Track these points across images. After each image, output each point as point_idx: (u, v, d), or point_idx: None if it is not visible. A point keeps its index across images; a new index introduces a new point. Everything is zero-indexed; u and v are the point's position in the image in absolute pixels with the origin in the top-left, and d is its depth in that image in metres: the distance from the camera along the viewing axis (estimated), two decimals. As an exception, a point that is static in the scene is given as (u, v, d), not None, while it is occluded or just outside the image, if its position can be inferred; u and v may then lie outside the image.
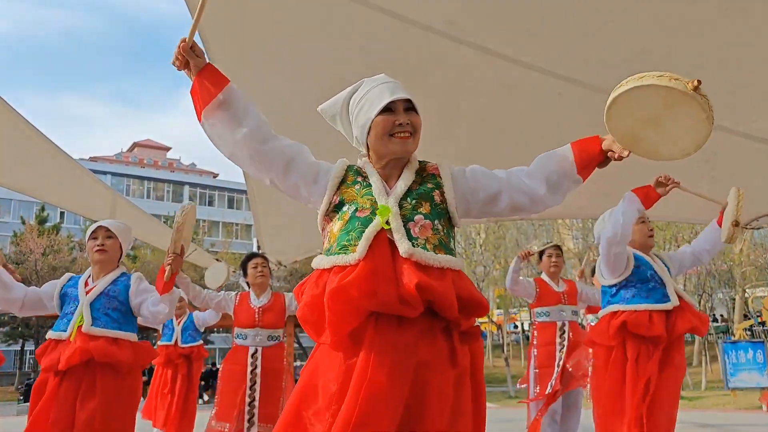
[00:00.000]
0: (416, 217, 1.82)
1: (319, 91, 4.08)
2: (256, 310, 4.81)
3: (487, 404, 1.92)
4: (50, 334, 3.20)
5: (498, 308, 32.08)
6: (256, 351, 4.74)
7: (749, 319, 20.97)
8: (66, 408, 3.00)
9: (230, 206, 49.55)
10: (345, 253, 1.77)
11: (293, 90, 4.12)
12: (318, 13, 3.34)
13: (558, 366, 4.95)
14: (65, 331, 3.14)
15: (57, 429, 2.95)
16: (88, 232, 3.41)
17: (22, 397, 20.44)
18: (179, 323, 6.56)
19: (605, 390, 3.52)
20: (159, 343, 6.54)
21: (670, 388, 3.46)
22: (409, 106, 1.91)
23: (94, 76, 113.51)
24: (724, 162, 4.21)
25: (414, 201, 1.85)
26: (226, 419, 4.59)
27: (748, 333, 18.26)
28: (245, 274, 5.02)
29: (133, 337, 3.25)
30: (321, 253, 1.90)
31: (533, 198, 1.96)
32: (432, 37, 3.33)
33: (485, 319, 24.95)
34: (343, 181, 1.92)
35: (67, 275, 3.46)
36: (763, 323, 18.47)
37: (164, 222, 33.83)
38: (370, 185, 1.88)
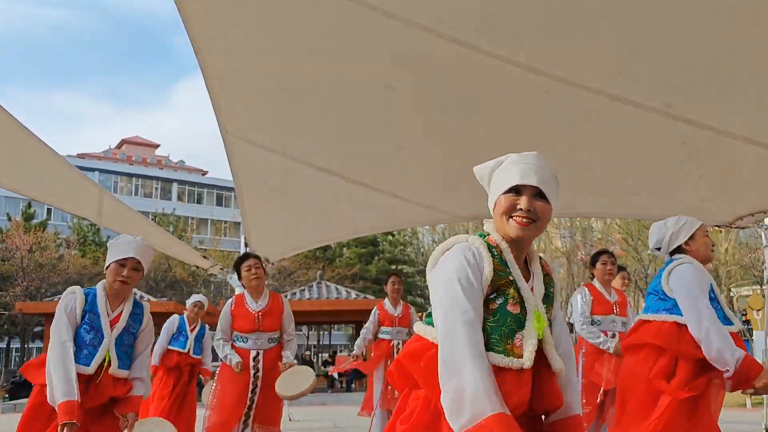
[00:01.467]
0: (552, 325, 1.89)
1: (304, 88, 4.09)
2: (256, 315, 4.76)
3: None
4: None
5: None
6: (258, 354, 4.70)
7: (735, 317, 21.09)
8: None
9: (219, 204, 49.44)
10: (502, 353, 1.74)
11: (279, 89, 4.11)
12: (304, 10, 3.34)
13: (606, 379, 4.79)
14: (88, 366, 3.11)
15: None
16: (117, 254, 3.29)
17: (7, 395, 20.28)
18: (192, 330, 6.49)
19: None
20: (169, 346, 6.43)
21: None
22: (540, 193, 1.87)
23: (84, 73, 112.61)
24: (709, 161, 4.24)
25: (546, 306, 1.90)
26: (229, 425, 4.55)
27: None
28: (239, 277, 4.95)
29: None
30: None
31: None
32: (420, 35, 3.32)
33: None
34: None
35: (81, 292, 3.30)
36: (747, 322, 18.63)
37: (152, 219, 33.67)
38: (508, 268, 1.84)
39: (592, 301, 5.10)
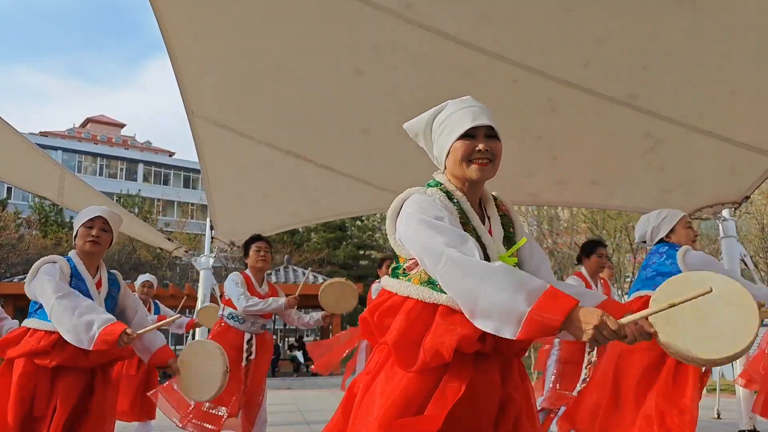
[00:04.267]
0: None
1: (272, 71, 4.05)
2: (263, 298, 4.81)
3: None
4: (48, 326, 3.04)
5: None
6: (251, 338, 4.72)
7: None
8: (75, 400, 3.04)
9: (186, 186, 48.79)
10: None
11: (247, 71, 4.06)
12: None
13: (586, 368, 4.75)
14: None
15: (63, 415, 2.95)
16: (83, 218, 3.25)
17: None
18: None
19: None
20: None
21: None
22: (491, 133, 1.89)
23: (50, 48, 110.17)
24: (671, 152, 4.32)
25: (507, 247, 1.91)
26: (222, 404, 4.52)
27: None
28: (246, 255, 4.98)
29: None
30: (406, 276, 1.86)
31: None
32: (389, 20, 3.31)
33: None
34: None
35: (62, 259, 3.20)
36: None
37: (117, 200, 33.12)
38: (467, 215, 1.87)
39: None
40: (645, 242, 3.80)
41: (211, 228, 6.65)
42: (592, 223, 22.98)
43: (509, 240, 1.95)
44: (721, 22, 3.15)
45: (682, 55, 3.42)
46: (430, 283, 1.79)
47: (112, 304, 3.26)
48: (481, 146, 1.86)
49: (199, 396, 3.50)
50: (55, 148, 43.78)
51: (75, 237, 3.28)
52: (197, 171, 43.41)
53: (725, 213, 5.04)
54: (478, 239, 1.83)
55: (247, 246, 5.01)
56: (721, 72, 3.52)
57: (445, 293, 1.73)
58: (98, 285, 3.23)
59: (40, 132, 50.09)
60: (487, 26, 3.37)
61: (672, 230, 3.69)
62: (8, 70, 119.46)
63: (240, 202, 6.13)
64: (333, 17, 3.48)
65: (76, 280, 3.14)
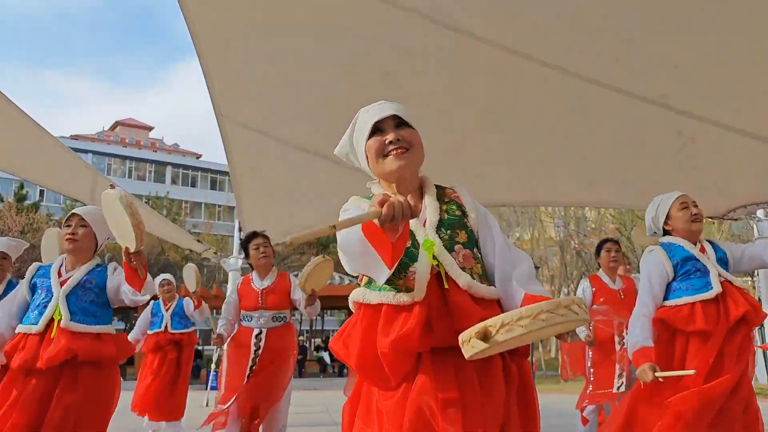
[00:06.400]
0: (456, 247, 1.76)
1: (301, 73, 4.07)
2: (259, 293, 4.76)
3: None
4: (20, 328, 3.04)
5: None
6: (260, 332, 4.69)
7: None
8: (35, 407, 2.85)
9: (213, 187, 49.25)
10: (394, 290, 1.69)
11: (276, 73, 4.09)
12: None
13: (620, 367, 4.72)
14: (36, 324, 2.98)
15: (24, 417, 2.81)
16: (66, 218, 3.27)
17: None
18: (168, 309, 6.48)
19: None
20: (149, 331, 6.44)
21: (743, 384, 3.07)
22: (400, 122, 1.84)
23: (79, 52, 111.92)
24: (703, 152, 4.25)
25: (449, 231, 1.79)
26: (228, 400, 4.57)
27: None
28: (247, 255, 4.93)
29: (112, 330, 3.16)
30: (358, 284, 1.83)
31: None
32: (416, 21, 3.31)
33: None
34: None
35: (36, 265, 3.28)
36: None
37: (145, 202, 33.54)
38: None
39: (594, 292, 5.11)
40: (656, 233, 3.64)
41: (240, 230, 6.70)
42: (620, 224, 22.72)
43: (448, 223, 1.81)
44: (753, 19, 3.09)
45: (714, 52, 3.37)
46: (369, 283, 1.76)
47: (90, 295, 3.12)
48: (390, 137, 1.81)
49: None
50: (86, 151, 44.51)
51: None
52: (224, 173, 43.89)
53: (760, 213, 4.94)
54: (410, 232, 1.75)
55: (245, 247, 4.92)
56: (754, 69, 3.46)
57: (382, 289, 1.70)
58: (67, 279, 3.11)
59: (71, 135, 50.96)
60: (515, 26, 3.35)
61: (668, 216, 3.40)
62: (40, 74, 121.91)
63: (268, 203, 6.18)
64: (360, 19, 3.49)
65: (41, 279, 3.14)
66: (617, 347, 4.80)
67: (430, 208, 1.83)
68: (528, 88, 3.75)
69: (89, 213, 3.24)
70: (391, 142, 1.81)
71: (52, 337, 2.95)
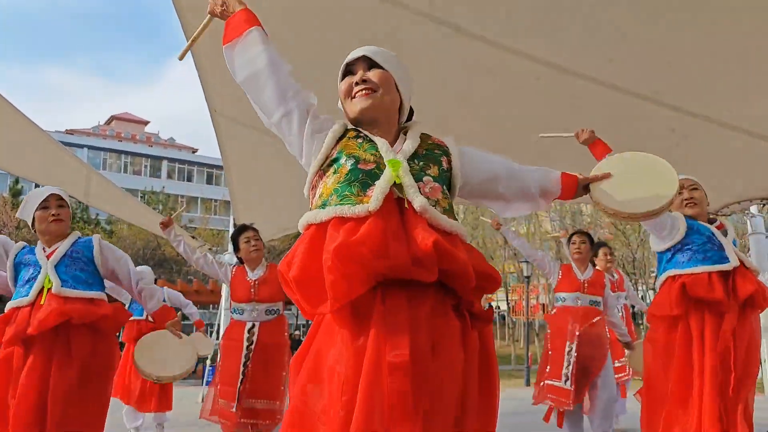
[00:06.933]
0: (425, 178, 1.68)
1: (294, 70, 4.05)
2: (252, 284, 4.67)
3: None
4: (10, 304, 3.00)
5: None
6: (253, 326, 4.60)
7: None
8: (35, 378, 2.81)
9: (209, 182, 49.13)
10: (350, 203, 1.58)
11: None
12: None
13: (569, 354, 4.77)
14: (27, 296, 2.95)
15: (27, 403, 2.77)
16: (34, 203, 3.17)
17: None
18: None
19: (669, 374, 3.18)
20: (129, 319, 6.38)
21: (750, 367, 3.16)
22: (372, 63, 1.80)
23: (74, 47, 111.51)
24: (697, 148, 4.27)
25: (422, 163, 1.72)
26: (229, 398, 4.52)
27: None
28: (237, 249, 4.83)
29: (105, 297, 3.12)
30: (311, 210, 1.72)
31: (526, 193, 2.00)
32: (411, 17, 3.31)
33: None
34: (342, 137, 1.77)
35: (20, 243, 3.23)
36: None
37: (141, 198, 33.52)
38: (372, 142, 1.72)
39: (560, 280, 5.20)
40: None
41: (235, 225, 6.70)
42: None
43: (425, 156, 1.75)
44: (745, 15, 3.09)
45: (707, 49, 3.37)
46: (323, 205, 1.64)
47: (79, 264, 3.10)
48: (356, 77, 1.79)
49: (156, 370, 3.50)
50: (81, 146, 44.37)
51: (32, 225, 3.19)
52: (220, 167, 43.68)
53: (753, 209, 4.96)
54: (376, 150, 1.69)
55: (235, 240, 4.83)
56: (746, 66, 3.46)
57: (337, 205, 1.60)
58: (53, 252, 3.09)
59: (66, 130, 50.78)
60: (509, 24, 3.35)
61: None
62: (36, 70, 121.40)
63: (263, 198, 6.18)
64: (353, 14, 3.48)
65: (28, 256, 3.11)
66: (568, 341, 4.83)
67: (409, 140, 1.77)
68: (522, 85, 3.75)
69: (63, 192, 3.24)
70: (356, 83, 1.79)
71: (41, 303, 2.91)
